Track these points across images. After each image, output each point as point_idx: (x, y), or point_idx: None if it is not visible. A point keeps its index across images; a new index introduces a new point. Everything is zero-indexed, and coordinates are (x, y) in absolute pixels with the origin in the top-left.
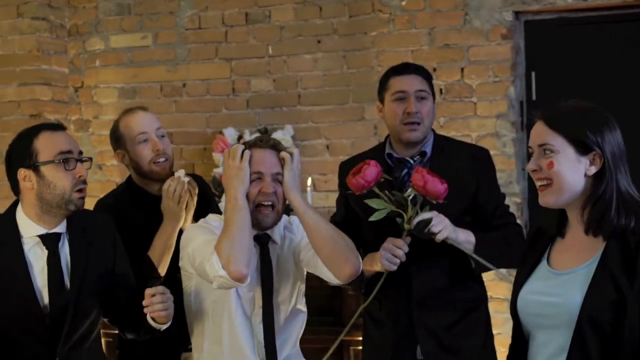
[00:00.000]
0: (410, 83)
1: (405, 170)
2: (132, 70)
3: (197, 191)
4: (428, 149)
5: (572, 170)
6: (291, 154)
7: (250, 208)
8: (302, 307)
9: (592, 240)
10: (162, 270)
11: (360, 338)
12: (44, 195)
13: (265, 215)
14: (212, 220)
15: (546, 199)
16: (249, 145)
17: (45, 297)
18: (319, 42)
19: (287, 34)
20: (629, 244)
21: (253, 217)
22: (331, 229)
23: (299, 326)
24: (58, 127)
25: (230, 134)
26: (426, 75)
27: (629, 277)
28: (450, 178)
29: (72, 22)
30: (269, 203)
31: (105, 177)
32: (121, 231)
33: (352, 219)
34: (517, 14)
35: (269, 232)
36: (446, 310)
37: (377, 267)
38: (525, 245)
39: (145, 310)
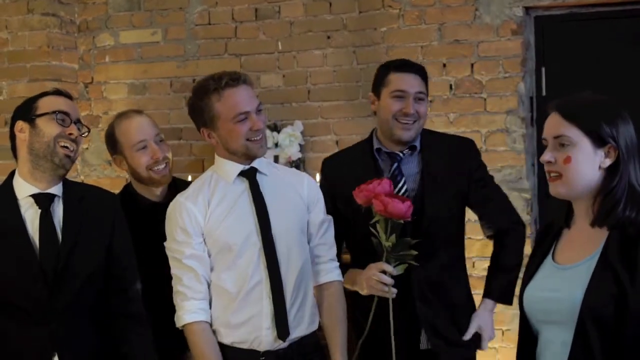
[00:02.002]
0: (411, 84)
1: (396, 165)
2: (142, 66)
3: None
4: (417, 143)
5: (587, 164)
6: None
7: (242, 144)
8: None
9: (594, 234)
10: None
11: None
12: (34, 145)
13: (259, 146)
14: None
15: (558, 190)
16: (220, 88)
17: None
18: (328, 37)
19: (296, 30)
20: (629, 236)
21: (247, 150)
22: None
23: (308, 257)
24: (62, 93)
25: None
26: (425, 76)
27: (629, 271)
28: (442, 170)
29: (82, 18)
30: (260, 136)
31: (115, 172)
32: None
33: (339, 218)
34: (527, 9)
35: (255, 165)
36: (444, 305)
37: (364, 292)
38: (535, 242)
39: None
